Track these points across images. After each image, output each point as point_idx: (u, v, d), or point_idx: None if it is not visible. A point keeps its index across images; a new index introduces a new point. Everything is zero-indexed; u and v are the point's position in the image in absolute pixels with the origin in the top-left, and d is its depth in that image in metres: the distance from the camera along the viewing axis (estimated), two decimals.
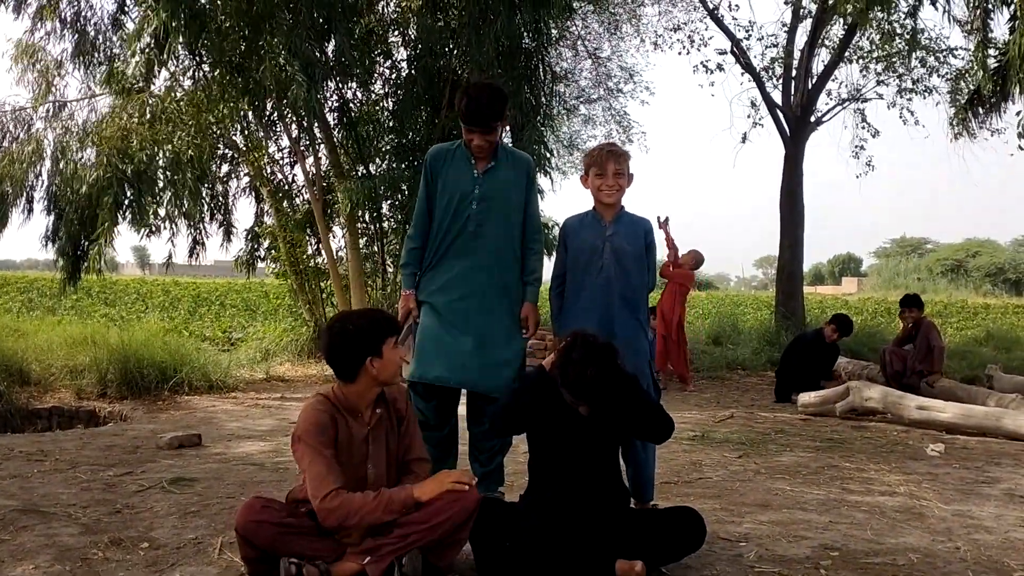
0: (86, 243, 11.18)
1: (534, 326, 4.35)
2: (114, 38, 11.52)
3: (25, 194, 12.04)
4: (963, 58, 15.78)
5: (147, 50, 9.27)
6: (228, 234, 13.57)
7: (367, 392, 3.45)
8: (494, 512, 3.52)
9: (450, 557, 3.45)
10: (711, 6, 16.95)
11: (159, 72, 10.30)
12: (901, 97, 16.51)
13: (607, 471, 3.71)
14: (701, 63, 17.54)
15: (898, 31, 15.39)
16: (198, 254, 13.29)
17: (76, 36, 11.66)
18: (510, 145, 5.80)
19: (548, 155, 12.77)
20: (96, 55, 11.71)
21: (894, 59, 16.07)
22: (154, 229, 12.09)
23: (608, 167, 4.20)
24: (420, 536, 3.25)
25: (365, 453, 3.45)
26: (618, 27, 18.42)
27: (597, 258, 4.24)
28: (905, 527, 4.40)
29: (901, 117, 16.55)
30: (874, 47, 16.30)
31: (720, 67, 17.42)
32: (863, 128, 17.35)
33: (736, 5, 28.65)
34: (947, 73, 16.04)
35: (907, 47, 15.25)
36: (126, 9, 11.23)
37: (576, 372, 3.52)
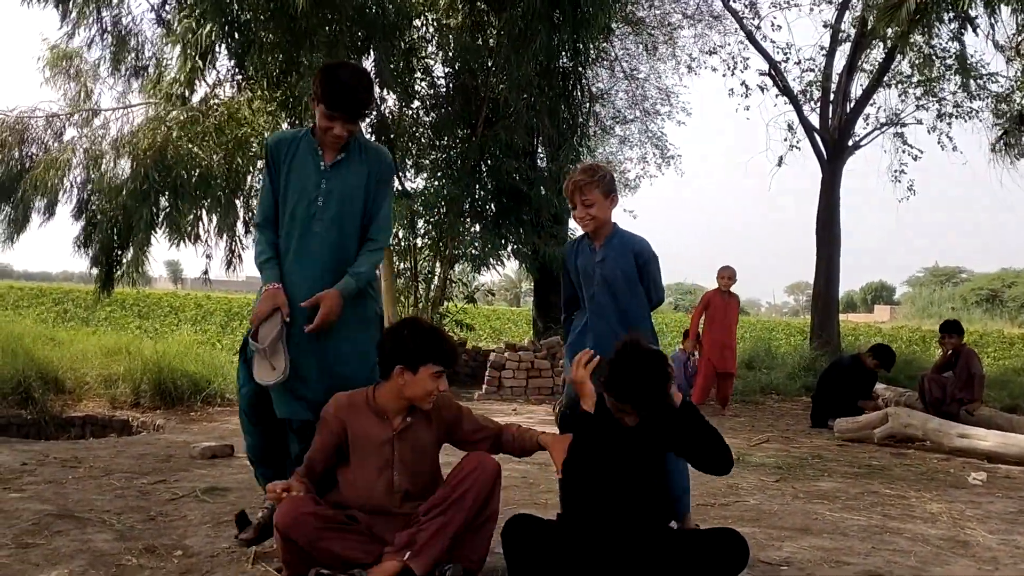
0: (119, 252, 11.28)
1: (322, 318, 3.65)
2: (153, 47, 11.65)
3: (53, 198, 12.15)
4: (1003, 85, 15.64)
5: (189, 61, 9.37)
6: None
7: (394, 397, 3.42)
8: (530, 529, 3.45)
9: (482, 549, 3.42)
10: (749, 29, 16.91)
11: (200, 84, 10.42)
12: (941, 121, 16.34)
13: (650, 490, 3.62)
14: (742, 84, 17.48)
15: (939, 55, 15.26)
16: (235, 267, 13.33)
17: (114, 43, 11.79)
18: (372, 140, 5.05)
19: None
20: (136, 63, 11.83)
21: (934, 84, 15.91)
22: (190, 240, 12.13)
23: (576, 199, 4.12)
24: (448, 516, 3.26)
25: (389, 458, 3.42)
26: (655, 48, 18.42)
27: (590, 285, 4.20)
28: (950, 556, 4.29)
29: (939, 143, 16.38)
30: (914, 70, 16.16)
31: (761, 88, 17.38)
32: (904, 152, 17.16)
33: (777, 26, 28.54)
34: (987, 97, 15.86)
35: (950, 71, 15.11)
36: (164, 18, 11.36)
37: (625, 376, 3.43)
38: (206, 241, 12.59)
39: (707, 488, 5.76)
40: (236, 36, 9.42)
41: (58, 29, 12.27)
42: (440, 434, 3.57)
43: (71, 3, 11.42)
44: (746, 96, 17.52)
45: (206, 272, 13.14)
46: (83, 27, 11.83)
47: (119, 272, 11.35)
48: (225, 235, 12.92)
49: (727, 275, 10.52)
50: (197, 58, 9.36)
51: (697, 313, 10.81)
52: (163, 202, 10.65)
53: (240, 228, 13.25)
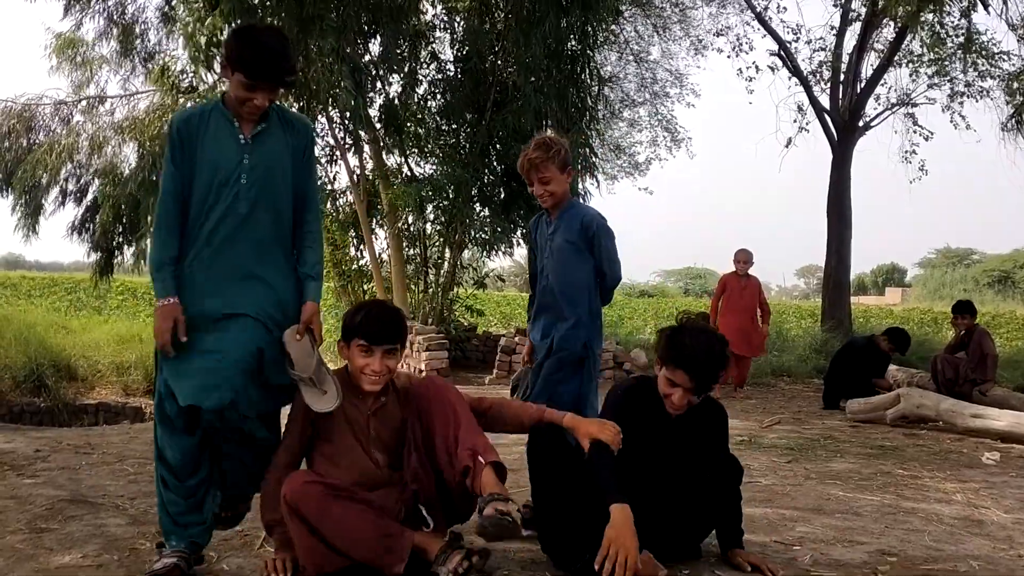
0: (121, 239, 11.32)
1: (319, 330, 3.48)
2: (158, 34, 11.67)
3: (59, 186, 12.22)
4: (1015, 63, 15.51)
5: (194, 50, 9.36)
6: None
7: (354, 373, 3.41)
8: (556, 446, 3.47)
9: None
10: (758, 9, 16.81)
11: (208, 73, 10.40)
12: (953, 101, 16.22)
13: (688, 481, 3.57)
14: (753, 64, 17.42)
15: (950, 33, 15.14)
16: None
17: (121, 32, 11.80)
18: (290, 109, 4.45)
19: (595, 158, 12.69)
20: (142, 51, 11.85)
21: (945, 63, 15.79)
22: None
23: (532, 177, 4.06)
24: (461, 417, 3.31)
25: (366, 435, 3.41)
26: (667, 29, 18.33)
27: (543, 259, 4.15)
28: (964, 534, 4.27)
29: (952, 122, 16.25)
30: (925, 49, 16.04)
31: (772, 69, 17.28)
32: (915, 132, 17.06)
33: (784, 7, 28.41)
34: (1000, 75, 15.74)
35: (961, 49, 14.99)
36: (172, 5, 11.36)
37: (688, 345, 3.34)
38: None
39: None
40: (243, 22, 9.37)
41: (60, 20, 12.28)
42: (418, 418, 3.42)
43: None
44: (750, 80, 17.44)
45: None
46: (88, 16, 11.85)
47: (120, 259, 11.38)
48: None
49: (743, 258, 10.51)
50: (203, 46, 9.35)
51: (716, 297, 10.74)
52: None
53: None
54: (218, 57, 9.70)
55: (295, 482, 3.14)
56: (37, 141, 12.30)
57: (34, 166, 11.83)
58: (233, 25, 9.36)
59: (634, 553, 3.08)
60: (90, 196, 12.12)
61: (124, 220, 11.01)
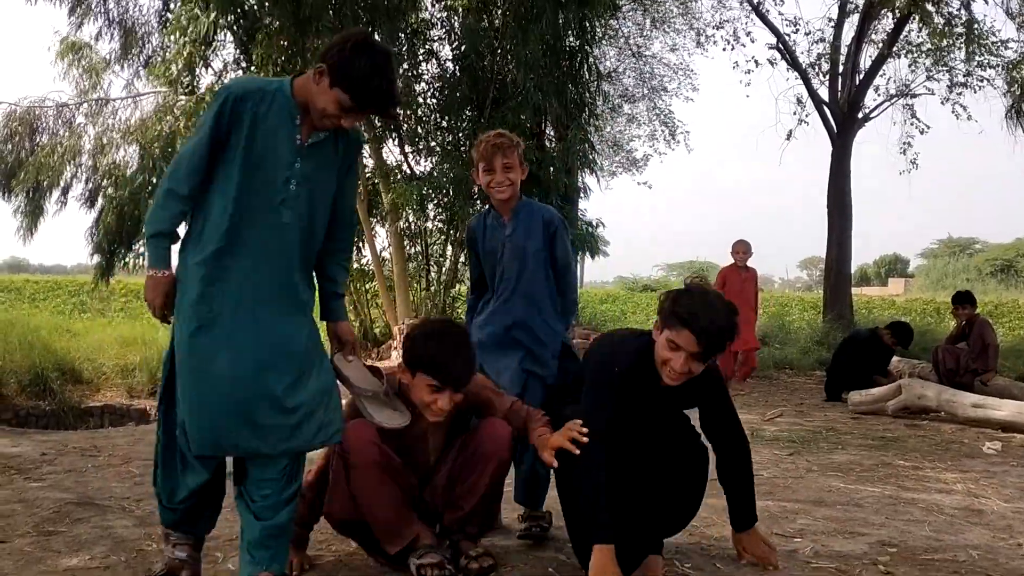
0: (124, 241, 11.37)
1: (357, 346, 3.37)
2: (159, 37, 11.72)
3: (63, 187, 12.29)
4: (1016, 51, 15.51)
5: (193, 48, 9.40)
6: None
7: (417, 403, 3.29)
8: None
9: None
10: (756, 2, 16.81)
11: (205, 71, 10.46)
12: (952, 92, 16.21)
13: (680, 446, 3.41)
14: (753, 58, 17.37)
15: (950, 23, 15.12)
16: None
17: (123, 34, 11.85)
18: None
19: (593, 153, 12.71)
20: (142, 53, 11.91)
21: (944, 53, 15.77)
22: None
23: (496, 162, 3.77)
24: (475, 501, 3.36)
25: (427, 446, 3.41)
26: (666, 21, 18.33)
27: (498, 262, 3.88)
28: (964, 524, 4.30)
29: (954, 112, 16.24)
30: (925, 38, 16.01)
31: (771, 62, 17.26)
32: (912, 124, 17.06)
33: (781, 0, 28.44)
34: (999, 65, 15.72)
35: (961, 39, 14.98)
36: (171, 7, 11.41)
37: (696, 304, 3.10)
38: None
39: None
40: (241, 22, 9.42)
41: (68, 23, 12.36)
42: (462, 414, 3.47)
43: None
44: (748, 72, 17.43)
45: None
46: (91, 18, 11.91)
47: (122, 261, 11.42)
48: None
49: (741, 249, 10.46)
50: (196, 44, 9.39)
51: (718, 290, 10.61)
52: None
53: None
54: (214, 55, 9.74)
55: (360, 434, 3.16)
56: (40, 143, 12.39)
57: (36, 169, 11.91)
58: (224, 22, 9.38)
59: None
60: (101, 200, 12.19)
61: (127, 222, 11.06)
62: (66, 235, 15.70)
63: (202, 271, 2.88)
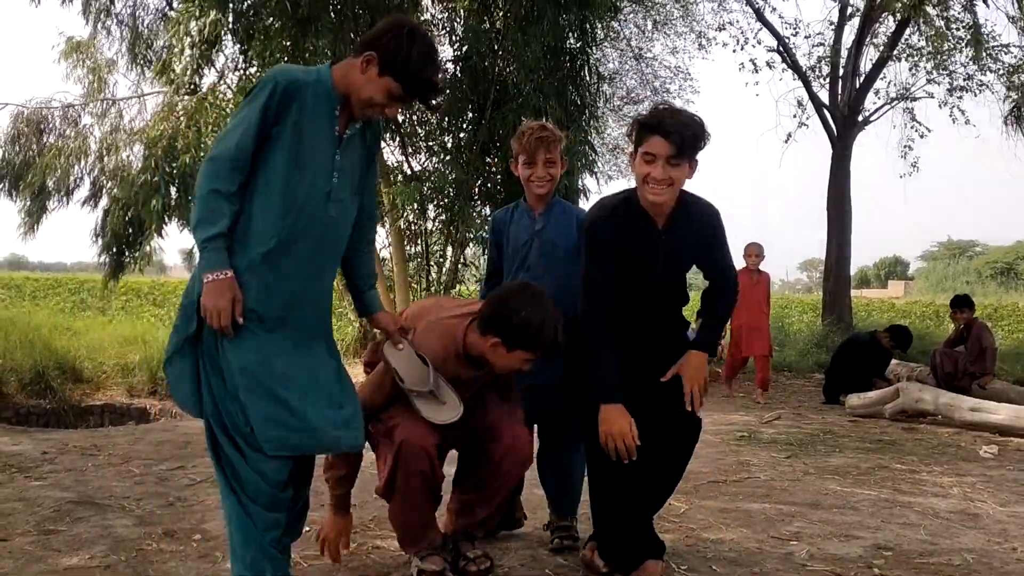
0: (130, 241, 11.42)
1: (404, 330, 3.24)
2: (164, 36, 11.77)
3: (68, 187, 12.35)
4: (1016, 56, 15.53)
5: (194, 48, 9.42)
6: None
7: (480, 354, 3.21)
8: None
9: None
10: (757, 5, 16.83)
11: (207, 71, 10.48)
12: (952, 95, 16.22)
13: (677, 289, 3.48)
14: (751, 61, 17.37)
15: (951, 26, 15.14)
16: None
17: (130, 35, 11.90)
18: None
19: (594, 155, 12.71)
20: (148, 54, 11.95)
21: (945, 56, 15.78)
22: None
23: (538, 156, 3.68)
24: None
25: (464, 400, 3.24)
26: (667, 23, 18.34)
27: (524, 256, 3.79)
28: (959, 528, 4.32)
29: (951, 116, 16.26)
30: (926, 42, 16.02)
31: (769, 65, 17.27)
32: (912, 128, 17.06)
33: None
34: (999, 69, 15.73)
35: (962, 43, 14.99)
36: (175, 6, 11.45)
37: (662, 111, 3.19)
38: None
39: (718, 465, 5.81)
40: (240, 22, 9.44)
41: (77, 19, 12.53)
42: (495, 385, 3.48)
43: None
44: (755, 71, 17.43)
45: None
46: (93, 16, 11.95)
47: (127, 260, 11.47)
48: None
49: (754, 252, 9.80)
50: (199, 45, 9.42)
51: None
52: (174, 192, 10.74)
53: None
54: (217, 55, 9.71)
55: (419, 435, 3.11)
56: (47, 143, 12.45)
57: (43, 169, 11.96)
58: (226, 19, 9.39)
59: (628, 434, 3.13)
60: (105, 200, 12.24)
61: (132, 222, 11.10)
62: (67, 233, 15.73)
63: (254, 276, 2.77)
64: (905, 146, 17.10)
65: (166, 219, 10.85)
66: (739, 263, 10.31)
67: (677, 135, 3.04)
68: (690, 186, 3.30)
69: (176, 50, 9.98)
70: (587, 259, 3.31)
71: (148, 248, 10.99)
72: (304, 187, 2.79)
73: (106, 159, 12.08)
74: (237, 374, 2.73)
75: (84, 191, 12.66)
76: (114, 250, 11.54)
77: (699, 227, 3.34)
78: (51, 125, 12.69)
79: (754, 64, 17.30)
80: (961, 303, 9.99)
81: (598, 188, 26.15)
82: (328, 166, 2.85)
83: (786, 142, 17.83)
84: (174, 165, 10.54)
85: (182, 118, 11.09)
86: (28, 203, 12.46)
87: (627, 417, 3.14)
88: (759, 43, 17.35)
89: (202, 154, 10.92)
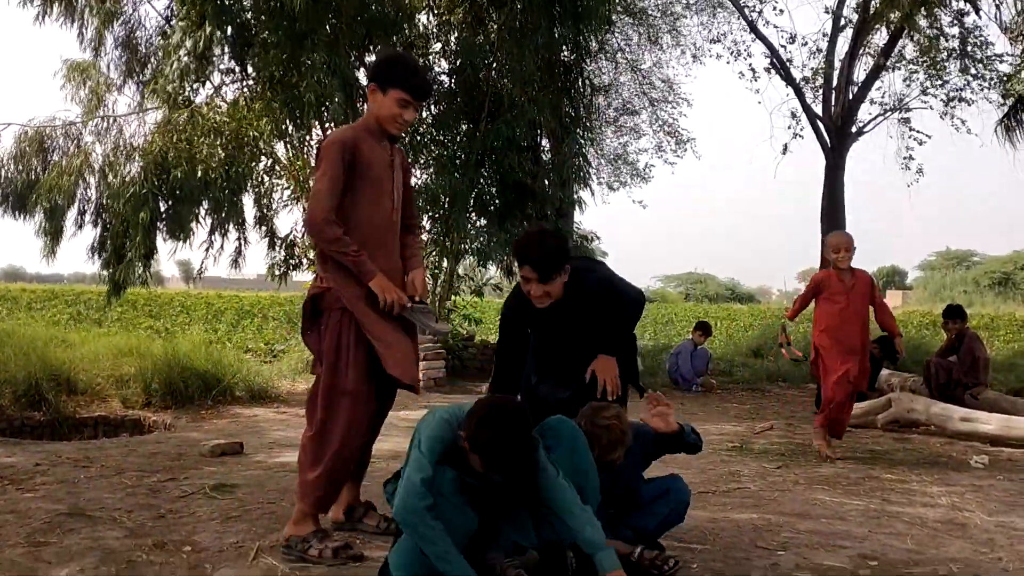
0: (129, 258, 11.45)
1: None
2: (160, 53, 11.83)
3: (76, 206, 12.42)
4: (1010, 64, 15.61)
5: (188, 63, 9.47)
6: (272, 245, 13.69)
7: (373, 118, 3.83)
8: None
9: None
10: (750, 18, 16.92)
11: (202, 85, 10.53)
12: (947, 106, 16.28)
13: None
14: (750, 68, 17.49)
15: (943, 36, 15.23)
16: (240, 265, 13.48)
17: (128, 54, 11.98)
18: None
19: (588, 167, 12.78)
20: (145, 72, 12.03)
21: (938, 67, 15.85)
22: (183, 240, 12.23)
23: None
24: None
25: (390, 181, 3.87)
26: (658, 39, 18.45)
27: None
28: (946, 538, 4.35)
29: (952, 125, 16.30)
30: (918, 53, 16.10)
31: (766, 70, 17.35)
32: (910, 137, 17.11)
33: (779, 10, 28.54)
34: (992, 78, 15.81)
35: (954, 54, 15.07)
36: (172, 23, 11.50)
37: (520, 240, 4.01)
38: (210, 240, 12.75)
39: (708, 476, 5.83)
40: (236, 37, 9.49)
41: (79, 44, 12.55)
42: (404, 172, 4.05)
43: (85, 19, 11.68)
44: (754, 80, 17.54)
45: (201, 268, 13.25)
46: (89, 33, 12.03)
47: (119, 274, 11.51)
48: (231, 234, 13.05)
49: (843, 245, 6.88)
50: (193, 58, 9.47)
51: (803, 299, 7.35)
52: (163, 205, 10.80)
53: (250, 225, 13.36)
54: (211, 70, 9.78)
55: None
56: (51, 162, 12.53)
57: (49, 188, 12.00)
58: (222, 35, 9.45)
59: (614, 374, 3.94)
60: (105, 216, 12.30)
61: (130, 237, 11.14)
62: (63, 245, 15.70)
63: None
64: (905, 157, 17.16)
65: (155, 231, 10.90)
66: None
67: (541, 265, 3.73)
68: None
69: (171, 65, 10.01)
70: (499, 333, 4.30)
71: (133, 261, 11.02)
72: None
73: (108, 175, 12.09)
74: None
75: (88, 207, 12.70)
76: (114, 265, 11.57)
77: (587, 296, 3.95)
78: (54, 144, 12.76)
79: (753, 71, 17.41)
80: (953, 314, 10.02)
81: (594, 201, 26.10)
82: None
83: (783, 153, 17.93)
84: (164, 178, 10.59)
85: (175, 132, 11.15)
86: (44, 224, 12.48)
87: (615, 364, 4.02)
88: (750, 55, 17.49)
89: (196, 165, 10.97)
